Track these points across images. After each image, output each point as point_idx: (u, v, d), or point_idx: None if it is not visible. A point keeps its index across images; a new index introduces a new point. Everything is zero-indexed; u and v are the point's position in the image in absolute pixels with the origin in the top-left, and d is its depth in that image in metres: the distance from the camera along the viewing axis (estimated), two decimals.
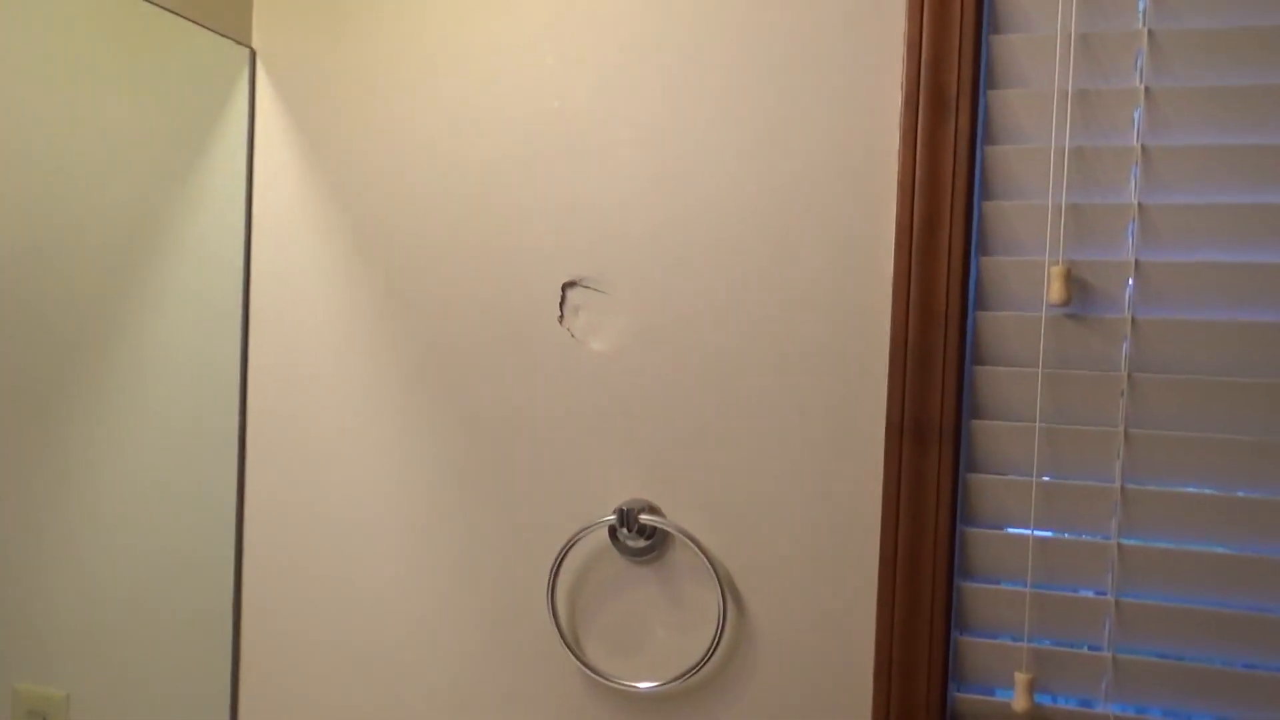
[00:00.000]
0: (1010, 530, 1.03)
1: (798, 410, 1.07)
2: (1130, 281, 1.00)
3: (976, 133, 1.03)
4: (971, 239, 1.04)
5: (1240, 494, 0.97)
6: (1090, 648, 1.00)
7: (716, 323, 1.09)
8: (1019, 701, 0.98)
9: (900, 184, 1.04)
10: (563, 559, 1.12)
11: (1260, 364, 0.97)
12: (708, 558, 1.07)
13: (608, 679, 1.11)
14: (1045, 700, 1.01)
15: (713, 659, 1.09)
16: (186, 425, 1.17)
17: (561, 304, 1.14)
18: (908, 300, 1.04)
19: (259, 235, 1.24)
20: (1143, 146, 1.00)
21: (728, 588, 1.09)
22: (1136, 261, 1.00)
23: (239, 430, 1.24)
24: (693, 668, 1.08)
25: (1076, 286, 1.01)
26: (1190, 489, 0.98)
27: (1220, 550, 0.97)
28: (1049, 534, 1.01)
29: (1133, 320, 1.00)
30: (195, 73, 1.17)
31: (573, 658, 1.12)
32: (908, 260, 1.04)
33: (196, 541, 1.19)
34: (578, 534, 1.11)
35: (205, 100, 1.18)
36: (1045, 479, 1.01)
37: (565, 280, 1.14)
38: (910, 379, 1.03)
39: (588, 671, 1.12)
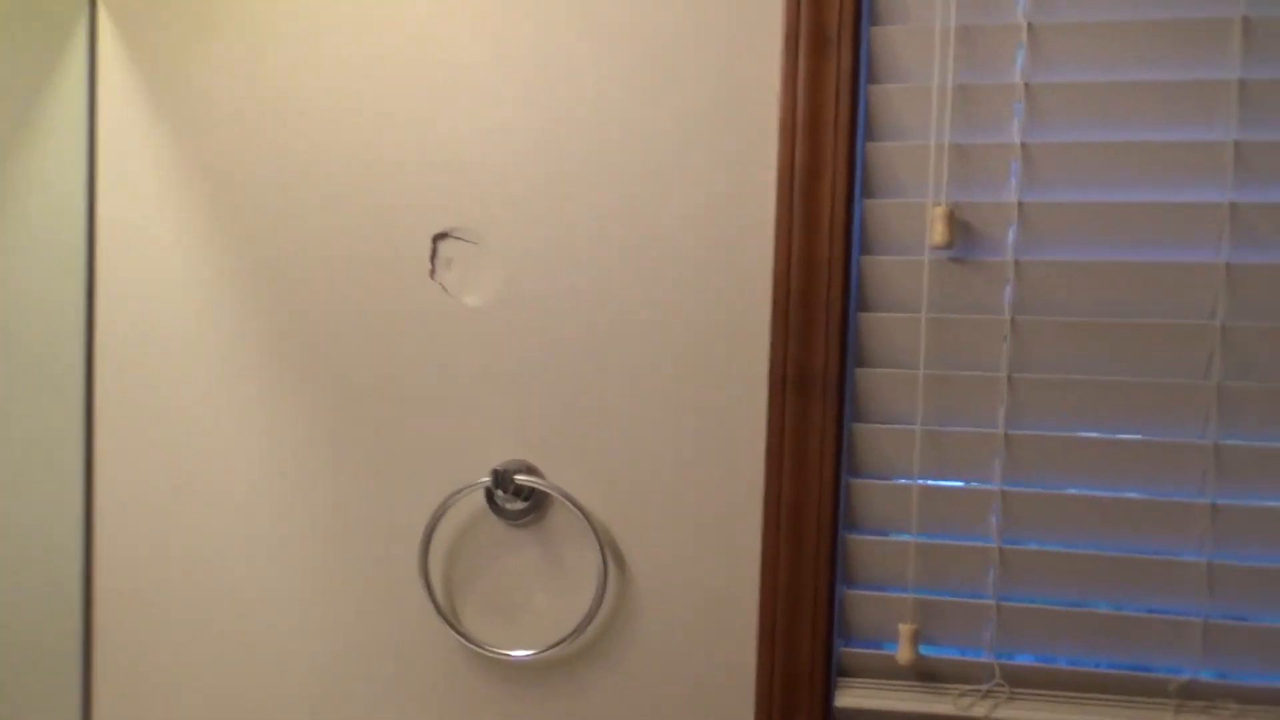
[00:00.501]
0: (895, 480, 1.00)
1: (679, 363, 1.03)
2: (1013, 223, 0.98)
3: (859, 72, 1.00)
4: (855, 182, 1.00)
5: (1122, 436, 0.96)
6: (975, 597, 0.98)
7: (595, 274, 1.04)
8: (903, 653, 0.96)
9: (782, 126, 1.00)
10: (436, 524, 1.06)
11: (1142, 304, 0.96)
12: (588, 518, 1.03)
13: (485, 648, 1.06)
14: (931, 651, 0.99)
15: (594, 622, 1.05)
16: (25, 396, 1.08)
17: (433, 257, 1.08)
18: (790, 246, 1.00)
19: (104, 189, 1.14)
20: (1026, 84, 0.97)
21: (609, 549, 1.05)
22: (1019, 203, 0.97)
23: (84, 399, 1.15)
24: (572, 633, 1.03)
25: (959, 229, 0.99)
26: (1074, 433, 0.97)
27: (1104, 494, 0.96)
28: (934, 483, 0.99)
29: (1015, 263, 0.97)
30: (29, 19, 1.06)
31: (448, 627, 1.07)
32: (789, 205, 1.00)
33: (40, 526, 1.10)
34: (450, 497, 1.05)
35: (41, 48, 1.08)
36: (930, 427, 0.99)
37: (436, 232, 1.08)
38: (793, 328, 1.00)
39: (464, 641, 1.07)
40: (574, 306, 1.05)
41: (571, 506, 1.03)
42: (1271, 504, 0.93)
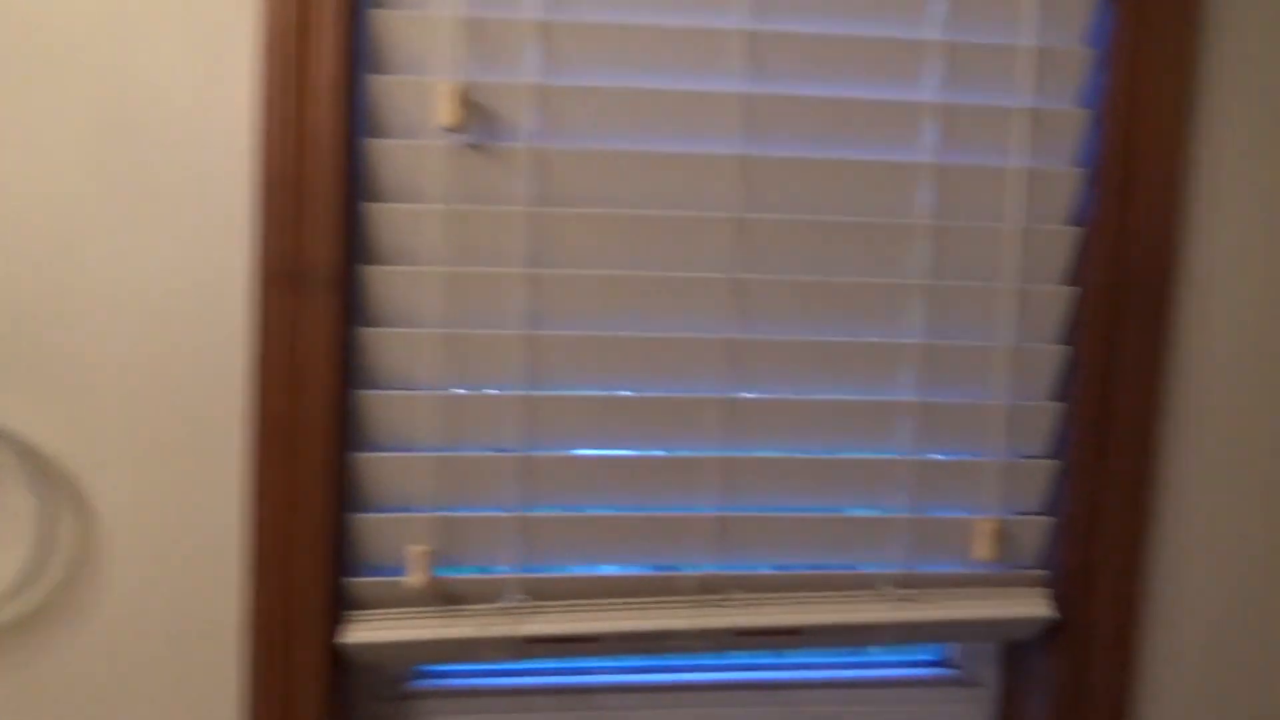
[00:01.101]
0: (411, 391, 0.90)
1: (149, 262, 0.85)
2: (533, 107, 0.90)
3: None
4: (357, 54, 0.88)
5: (644, 334, 0.92)
6: (497, 511, 0.91)
7: (46, 156, 0.84)
8: (415, 577, 0.87)
9: None
10: None
11: (663, 196, 0.92)
12: (32, 454, 0.84)
13: None
14: (451, 573, 0.91)
15: (42, 579, 0.86)
16: None
17: None
18: (278, 124, 0.86)
19: None
20: None
21: (64, 488, 0.86)
22: (540, 85, 0.90)
23: None
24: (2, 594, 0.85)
25: (474, 111, 0.89)
26: (596, 332, 0.92)
27: (627, 395, 0.92)
28: (454, 391, 0.91)
29: (535, 150, 0.90)
30: None
31: None
32: (277, 76, 0.86)
33: None
34: None
35: None
36: (446, 330, 0.90)
37: None
38: (284, 217, 0.86)
39: None
40: (17, 197, 0.84)
41: (11, 443, 0.84)
42: (780, 397, 0.94)
